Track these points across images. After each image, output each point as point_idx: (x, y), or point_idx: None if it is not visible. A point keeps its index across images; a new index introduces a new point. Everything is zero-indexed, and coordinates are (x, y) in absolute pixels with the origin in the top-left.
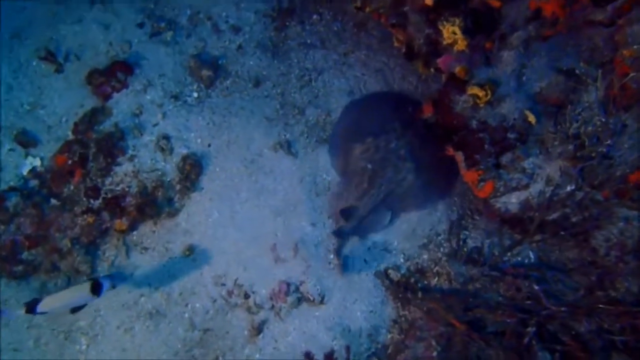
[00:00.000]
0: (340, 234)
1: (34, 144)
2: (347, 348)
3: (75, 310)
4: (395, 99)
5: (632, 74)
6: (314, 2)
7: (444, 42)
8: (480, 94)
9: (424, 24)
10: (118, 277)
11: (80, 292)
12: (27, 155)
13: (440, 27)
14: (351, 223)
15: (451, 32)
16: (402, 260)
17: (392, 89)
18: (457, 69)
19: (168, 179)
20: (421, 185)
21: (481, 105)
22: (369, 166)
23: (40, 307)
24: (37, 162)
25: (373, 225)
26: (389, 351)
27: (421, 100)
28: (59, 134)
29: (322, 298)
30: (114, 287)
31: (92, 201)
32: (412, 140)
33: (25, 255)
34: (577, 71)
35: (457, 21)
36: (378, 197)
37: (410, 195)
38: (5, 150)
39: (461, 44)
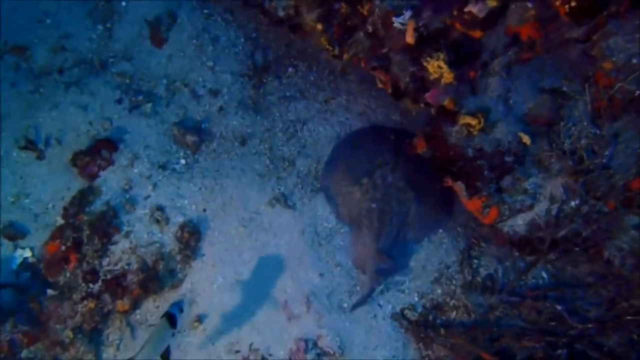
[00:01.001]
0: (382, 273)
1: (22, 235)
2: None
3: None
4: (377, 131)
5: (619, 85)
6: (287, 56)
7: (431, 77)
8: (473, 122)
9: (408, 63)
10: (179, 303)
11: (162, 331)
12: (16, 247)
13: (425, 64)
14: (387, 262)
15: (436, 66)
16: (416, 298)
17: (371, 124)
18: (446, 102)
19: (167, 250)
20: (426, 210)
21: (475, 133)
22: (374, 205)
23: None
24: (28, 253)
25: (395, 264)
26: None
27: (405, 128)
28: (47, 221)
29: (343, 350)
30: (182, 311)
31: (91, 285)
32: (406, 168)
33: (25, 353)
34: (561, 89)
35: (441, 55)
36: (392, 233)
37: (419, 224)
38: None
39: (448, 77)
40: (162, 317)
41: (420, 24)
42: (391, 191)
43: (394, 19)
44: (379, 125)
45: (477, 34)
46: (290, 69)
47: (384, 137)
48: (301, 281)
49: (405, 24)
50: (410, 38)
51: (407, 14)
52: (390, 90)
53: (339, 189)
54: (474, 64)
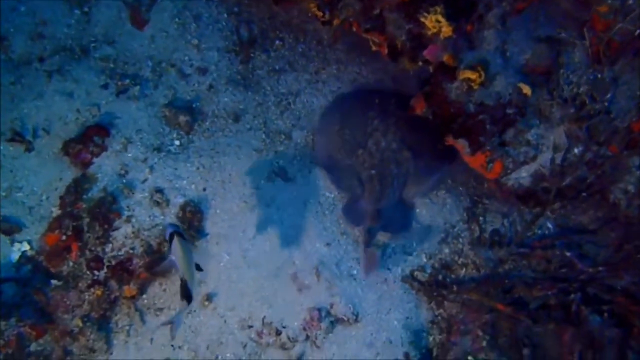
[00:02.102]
0: (370, 231)
1: (17, 229)
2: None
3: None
4: (360, 97)
5: (618, 25)
6: (272, 29)
7: (428, 33)
8: (473, 76)
9: (403, 20)
10: (171, 226)
11: (183, 248)
12: (12, 242)
13: (422, 19)
14: (378, 222)
15: (434, 21)
16: (424, 259)
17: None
18: (445, 57)
19: None
20: (424, 167)
21: (475, 87)
22: (373, 172)
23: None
24: (26, 247)
25: (400, 223)
26: (435, 354)
27: (387, 88)
28: (41, 213)
29: (357, 316)
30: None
31: (96, 273)
32: (397, 129)
33: (33, 346)
34: (557, 36)
35: (439, 9)
36: (394, 195)
37: (419, 180)
38: None
39: (447, 31)
40: (170, 239)
41: None
42: (387, 154)
43: None
44: (361, 90)
45: None
46: (277, 42)
47: (369, 102)
48: (308, 252)
49: None
50: None
51: None
52: (386, 51)
53: (335, 163)
54: (471, 17)
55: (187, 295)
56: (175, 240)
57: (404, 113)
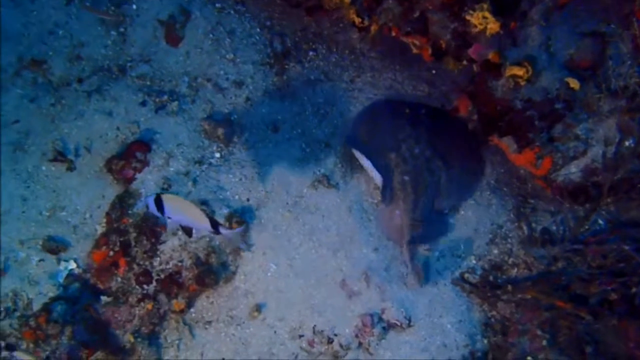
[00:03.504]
0: (414, 241)
1: (63, 248)
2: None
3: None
4: (389, 107)
5: None
6: (305, 41)
7: (475, 31)
8: (520, 72)
9: (448, 20)
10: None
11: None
12: (59, 261)
13: (468, 17)
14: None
15: (481, 17)
16: (474, 261)
17: (381, 98)
18: (491, 55)
19: (217, 243)
20: (456, 176)
21: (522, 83)
22: (406, 178)
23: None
24: (72, 265)
25: (436, 230)
26: (492, 356)
27: (416, 100)
28: (86, 231)
29: (409, 320)
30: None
31: (145, 287)
32: (429, 138)
33: None
34: (601, 30)
35: (485, 6)
36: (428, 203)
37: (451, 190)
38: (35, 263)
39: (494, 27)
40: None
41: None
42: (420, 162)
43: None
44: (391, 100)
45: None
46: (310, 53)
47: (399, 112)
48: (356, 258)
49: None
50: None
51: None
52: (429, 52)
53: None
54: (514, 14)
55: (214, 223)
56: (164, 198)
57: (434, 124)
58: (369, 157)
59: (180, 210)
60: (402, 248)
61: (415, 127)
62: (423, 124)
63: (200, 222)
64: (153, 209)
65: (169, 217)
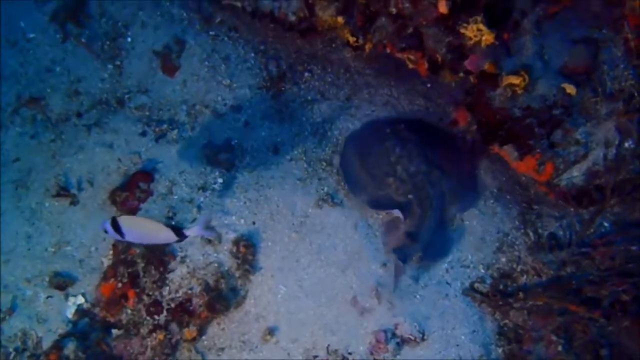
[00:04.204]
0: (402, 255)
1: (70, 283)
2: None
3: None
4: (373, 131)
5: None
6: (299, 63)
7: (470, 43)
8: (517, 81)
9: (442, 34)
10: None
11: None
12: (67, 297)
13: (462, 30)
14: (416, 245)
15: (476, 30)
16: (482, 270)
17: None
18: (487, 65)
19: (226, 268)
20: (456, 182)
21: (519, 92)
22: (411, 197)
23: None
24: (81, 300)
25: (438, 250)
26: None
27: (399, 116)
28: (92, 265)
29: (423, 334)
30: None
31: (156, 317)
32: (419, 152)
33: None
34: (593, 37)
35: (479, 18)
36: (437, 216)
37: (455, 196)
38: (43, 300)
39: (489, 38)
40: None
41: None
42: (419, 178)
43: None
44: (369, 123)
45: None
46: (306, 74)
47: (381, 133)
48: (365, 275)
49: None
50: (443, 7)
51: None
52: (425, 66)
53: (371, 194)
54: (507, 25)
55: (176, 229)
56: (120, 220)
57: (418, 136)
58: (366, 189)
59: (139, 229)
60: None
61: (403, 144)
62: (409, 139)
63: (162, 234)
64: (112, 233)
65: (129, 239)
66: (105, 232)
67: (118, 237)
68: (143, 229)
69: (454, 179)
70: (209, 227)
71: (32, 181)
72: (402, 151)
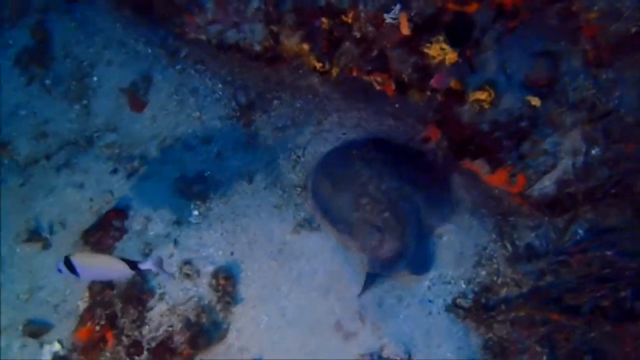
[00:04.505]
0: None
1: (45, 330)
2: None
3: None
4: (339, 155)
5: (614, 27)
6: (268, 91)
7: (434, 62)
8: (483, 96)
9: (407, 55)
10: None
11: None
12: (42, 344)
13: (426, 50)
14: (402, 261)
15: (439, 49)
16: (463, 285)
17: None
18: (453, 83)
19: (206, 302)
20: (430, 195)
21: (486, 107)
22: (387, 215)
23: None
24: (57, 347)
25: (421, 263)
26: None
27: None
28: (67, 309)
29: (409, 354)
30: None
31: (137, 358)
32: (388, 169)
33: None
34: (551, 49)
35: (441, 38)
36: (414, 229)
37: (431, 211)
38: (17, 350)
39: (452, 56)
40: (67, 264)
41: (412, 14)
42: (392, 194)
43: (384, 15)
44: (335, 149)
45: (472, 7)
46: (275, 101)
47: (348, 157)
48: (347, 298)
49: (397, 18)
50: (405, 29)
51: (397, 7)
52: (392, 87)
53: (346, 219)
54: (469, 42)
55: (130, 263)
56: (74, 259)
57: (386, 155)
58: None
59: (93, 266)
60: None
61: (371, 165)
62: (376, 159)
63: (116, 269)
64: (66, 273)
65: (84, 278)
66: (60, 272)
67: (72, 276)
68: (97, 265)
69: (427, 193)
70: (160, 265)
71: (1, 227)
72: (371, 171)
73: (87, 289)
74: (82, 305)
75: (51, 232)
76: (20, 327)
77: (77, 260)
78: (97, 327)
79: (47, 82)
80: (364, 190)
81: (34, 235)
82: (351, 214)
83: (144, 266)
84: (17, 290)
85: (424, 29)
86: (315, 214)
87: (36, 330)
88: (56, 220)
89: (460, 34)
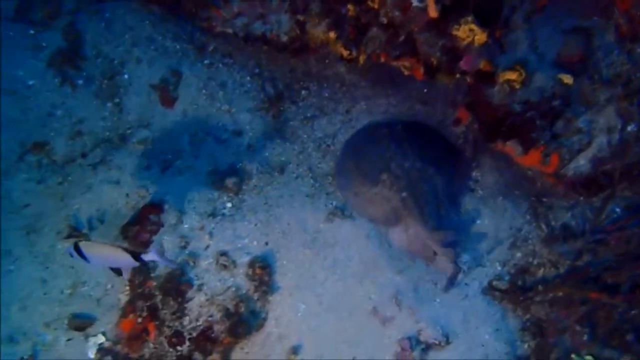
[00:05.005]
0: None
1: (89, 323)
2: None
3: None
4: (368, 133)
5: None
6: (295, 81)
7: (463, 44)
8: (514, 76)
9: (435, 37)
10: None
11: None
12: (87, 337)
13: (454, 32)
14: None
15: (468, 30)
16: (499, 267)
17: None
18: (482, 64)
19: (244, 292)
20: (450, 179)
21: (517, 87)
22: (404, 194)
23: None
24: (101, 339)
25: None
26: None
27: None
28: (110, 303)
29: (447, 337)
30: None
31: (179, 348)
32: (413, 150)
33: None
34: (583, 25)
35: (470, 19)
36: (435, 212)
37: (450, 192)
38: (63, 344)
39: (481, 37)
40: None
41: None
42: (413, 175)
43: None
44: (367, 126)
45: None
46: (303, 92)
47: (378, 134)
48: (383, 284)
49: (424, 1)
50: (433, 12)
51: None
52: (421, 71)
53: (363, 195)
54: (498, 22)
55: (134, 254)
56: (81, 246)
57: (414, 136)
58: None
59: (99, 254)
60: (445, 259)
61: (398, 143)
62: (405, 139)
63: (121, 257)
64: (77, 257)
65: (93, 262)
66: (71, 256)
67: (83, 261)
68: (103, 253)
69: (448, 177)
70: (162, 254)
71: (42, 225)
72: (397, 148)
73: (128, 282)
74: (124, 298)
75: (90, 228)
76: (66, 322)
77: (85, 247)
78: (139, 319)
79: (80, 82)
80: (386, 166)
81: (74, 231)
82: (370, 188)
83: (147, 257)
84: (61, 285)
85: (452, 10)
86: (340, 193)
87: (81, 324)
88: (95, 216)
89: (489, 13)
